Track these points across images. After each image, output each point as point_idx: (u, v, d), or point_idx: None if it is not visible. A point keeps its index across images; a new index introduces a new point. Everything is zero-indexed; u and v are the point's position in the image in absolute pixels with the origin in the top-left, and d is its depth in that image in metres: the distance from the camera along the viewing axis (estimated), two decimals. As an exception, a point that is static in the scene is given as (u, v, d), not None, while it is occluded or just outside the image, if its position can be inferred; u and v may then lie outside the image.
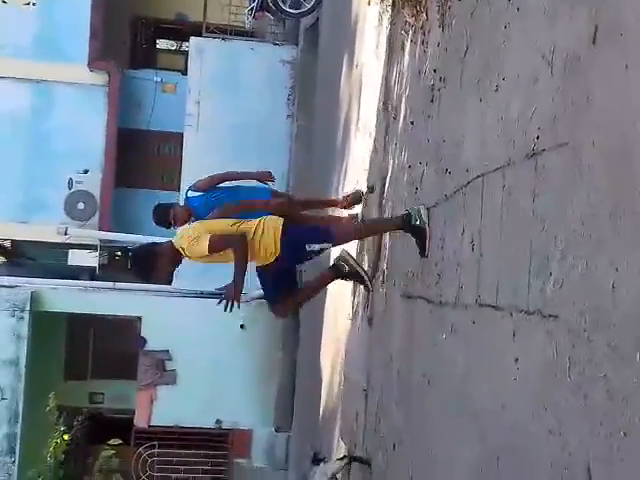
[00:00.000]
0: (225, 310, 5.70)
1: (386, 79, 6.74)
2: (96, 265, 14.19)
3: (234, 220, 5.80)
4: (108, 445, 12.88)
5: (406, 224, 5.17)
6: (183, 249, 5.59)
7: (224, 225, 5.74)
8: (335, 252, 6.60)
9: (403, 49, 6.14)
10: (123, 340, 14.65)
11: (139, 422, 12.88)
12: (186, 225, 6.23)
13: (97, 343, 15.50)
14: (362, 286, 6.44)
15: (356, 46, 8.59)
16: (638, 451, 2.38)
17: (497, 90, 3.89)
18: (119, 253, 14.93)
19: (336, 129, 9.56)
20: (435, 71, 5.14)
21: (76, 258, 15.11)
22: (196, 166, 13.15)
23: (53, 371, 14.48)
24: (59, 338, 14.85)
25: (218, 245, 5.52)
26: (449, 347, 4.44)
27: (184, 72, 14.77)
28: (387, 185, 6.47)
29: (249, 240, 5.56)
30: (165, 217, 7.54)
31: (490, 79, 4.01)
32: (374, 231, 6.14)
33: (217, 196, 7.32)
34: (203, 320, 12.56)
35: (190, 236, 5.58)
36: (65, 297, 12.86)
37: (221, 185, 7.57)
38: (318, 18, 12.31)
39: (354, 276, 6.17)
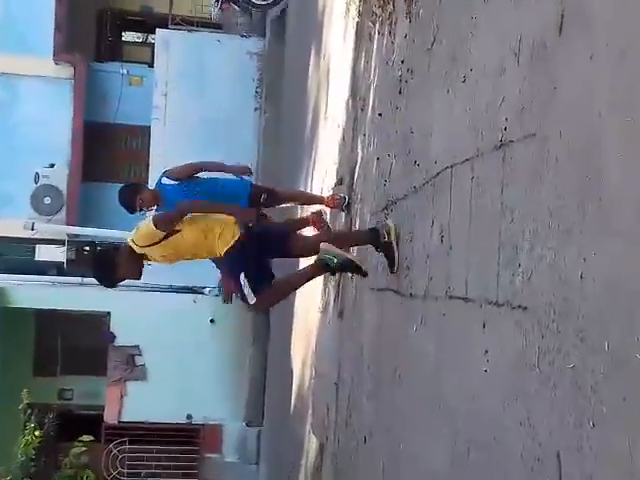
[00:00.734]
0: (225, 301, 5.72)
1: (354, 70, 6.73)
2: (64, 260, 14.06)
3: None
4: (78, 442, 12.77)
5: (375, 240, 5.09)
6: (135, 243, 5.28)
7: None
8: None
9: (370, 40, 6.12)
10: (92, 336, 14.54)
11: (109, 418, 12.81)
12: (142, 222, 5.69)
13: (66, 339, 15.37)
14: (358, 275, 5.68)
15: (323, 37, 8.57)
16: (607, 441, 2.38)
17: (464, 81, 3.88)
18: (87, 248, 14.80)
19: (304, 121, 9.53)
20: (403, 62, 5.12)
21: (43, 253, 14.95)
22: (164, 159, 13.06)
23: (22, 367, 14.35)
24: (27, 334, 14.71)
25: (163, 216, 5.30)
26: (419, 339, 4.44)
27: (151, 64, 14.67)
28: (356, 177, 6.45)
29: (208, 235, 5.30)
30: (132, 200, 6.86)
31: (457, 70, 3.99)
32: (342, 245, 5.60)
33: (192, 189, 6.75)
34: (173, 315, 12.52)
35: (140, 231, 5.30)
36: (33, 293, 12.76)
37: (198, 175, 7.03)
38: (285, 9, 12.28)
39: (346, 267, 5.48)
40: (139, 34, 20.15)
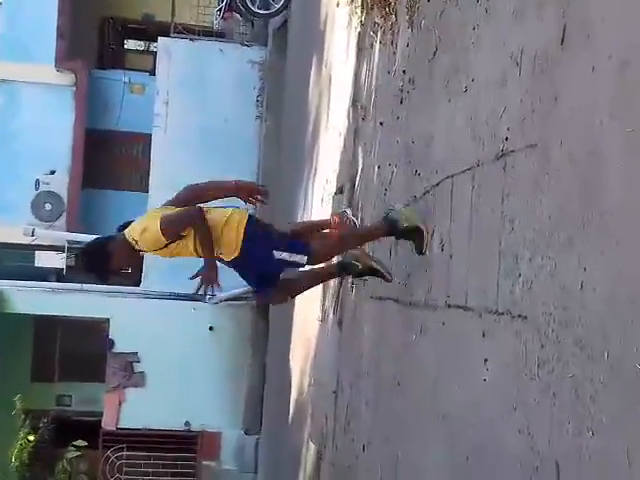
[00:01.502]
0: (205, 294, 5.20)
1: (355, 80, 6.75)
2: (63, 267, 14.05)
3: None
4: (74, 446, 12.75)
5: (395, 230, 4.68)
6: (136, 241, 4.79)
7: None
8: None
9: (372, 50, 6.15)
10: (91, 342, 14.52)
11: (107, 424, 12.77)
12: (142, 219, 5.01)
13: (64, 345, 15.35)
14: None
15: (325, 47, 8.59)
16: (606, 450, 2.39)
17: (466, 91, 3.90)
18: (87, 255, 14.77)
19: (305, 130, 9.55)
20: (404, 72, 5.14)
21: (43, 259, 14.93)
22: (165, 167, 13.11)
23: (20, 373, 14.33)
24: (26, 340, 14.70)
25: (172, 224, 4.73)
26: (419, 348, 4.45)
27: (152, 73, 14.68)
28: (357, 186, 6.46)
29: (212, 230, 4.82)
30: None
31: (459, 80, 4.01)
32: (360, 243, 5.31)
33: None
34: (172, 322, 12.50)
35: (141, 224, 4.82)
36: (32, 299, 12.74)
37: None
38: (287, 19, 12.30)
39: (368, 272, 5.06)
40: (141, 42, 20.19)
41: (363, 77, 6.49)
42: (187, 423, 12.77)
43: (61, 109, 14.34)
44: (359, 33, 6.67)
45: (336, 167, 7.33)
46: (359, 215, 6.14)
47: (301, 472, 8.27)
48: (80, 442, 12.81)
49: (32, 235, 12.98)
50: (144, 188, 13.60)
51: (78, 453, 12.71)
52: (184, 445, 13.14)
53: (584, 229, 2.59)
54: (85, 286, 12.22)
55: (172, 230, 4.75)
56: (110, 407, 12.66)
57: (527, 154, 3.09)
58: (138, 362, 12.65)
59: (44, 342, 15.05)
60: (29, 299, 12.69)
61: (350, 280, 6.22)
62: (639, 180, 2.31)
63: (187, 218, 4.78)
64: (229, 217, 4.86)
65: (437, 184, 4.26)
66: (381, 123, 5.74)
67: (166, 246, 4.84)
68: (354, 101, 6.72)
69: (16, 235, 13.30)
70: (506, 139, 3.32)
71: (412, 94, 4.97)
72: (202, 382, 12.51)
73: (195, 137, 13.37)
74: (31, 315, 13.40)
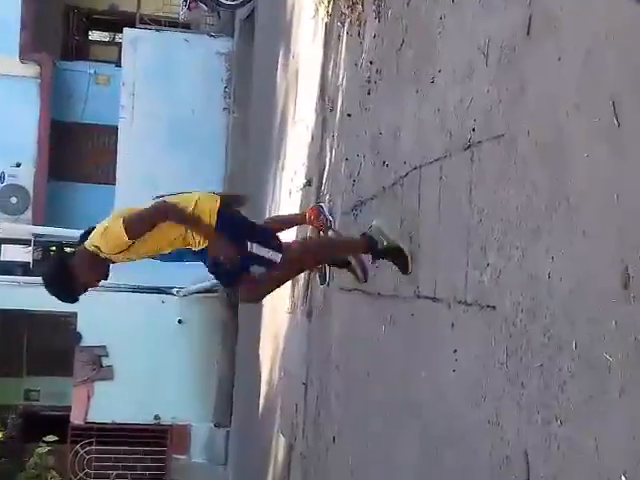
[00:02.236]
0: (228, 267, 4.53)
1: (323, 71, 6.73)
2: (30, 260, 13.93)
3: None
4: (43, 442, 12.67)
5: (374, 249, 4.42)
6: (97, 247, 4.29)
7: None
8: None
9: (339, 41, 6.13)
10: (59, 336, 14.43)
11: (75, 419, 12.70)
12: (103, 223, 4.50)
13: (32, 339, 15.24)
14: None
15: (292, 38, 8.56)
16: (574, 439, 2.40)
17: (433, 82, 3.90)
18: (53, 248, 14.68)
19: (273, 122, 9.52)
20: (371, 63, 5.13)
21: (9, 253, 14.82)
22: (132, 159, 13.03)
23: (-14, 368, 14.22)
24: (-8, 335, 14.58)
25: (137, 222, 4.30)
26: (388, 340, 4.45)
27: (118, 64, 14.57)
28: (325, 178, 6.45)
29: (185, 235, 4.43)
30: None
31: (426, 71, 4.01)
32: (334, 253, 4.94)
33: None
34: (140, 315, 12.44)
35: (102, 227, 4.35)
36: (-2, 293, 12.61)
37: None
38: (254, 9, 12.24)
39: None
40: (106, 33, 20.03)
41: (330, 68, 6.47)
42: (157, 417, 12.73)
43: (26, 101, 14.20)
44: (326, 24, 6.65)
45: (304, 159, 7.31)
46: (333, 207, 6.12)
47: (271, 464, 8.26)
48: (50, 437, 12.73)
49: (-3, 228, 12.86)
50: (111, 180, 13.51)
51: (49, 448, 12.63)
52: (154, 439, 13.11)
53: (551, 219, 2.60)
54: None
55: (136, 227, 4.28)
56: (78, 401, 12.57)
57: (494, 145, 3.10)
58: (106, 356, 12.58)
59: (11, 337, 14.92)
60: (-5, 293, 12.56)
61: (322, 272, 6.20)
62: (605, 170, 2.32)
63: (156, 214, 4.36)
64: (197, 202, 4.50)
65: (405, 175, 4.26)
66: (349, 115, 5.73)
67: (129, 248, 4.34)
68: (322, 93, 6.71)
69: (-19, 229, 13.17)
70: (473, 130, 3.32)
71: (380, 85, 4.97)
72: (171, 375, 12.47)
73: (162, 129, 13.30)
74: (-3, 309, 13.28)
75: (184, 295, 12.60)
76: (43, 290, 4.42)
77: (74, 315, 12.56)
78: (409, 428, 3.96)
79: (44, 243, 14.35)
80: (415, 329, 4.01)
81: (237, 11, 13.05)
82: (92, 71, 14.98)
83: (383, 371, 4.55)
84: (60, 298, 4.50)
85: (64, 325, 13.59)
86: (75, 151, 14.98)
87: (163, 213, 4.37)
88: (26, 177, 13.92)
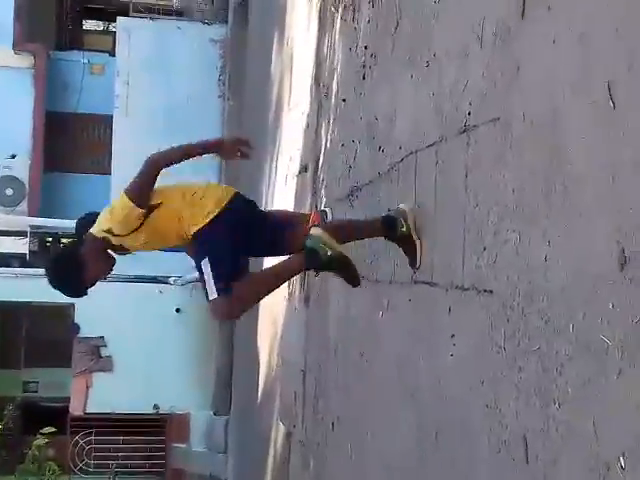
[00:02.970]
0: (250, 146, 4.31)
1: (317, 56, 6.70)
2: (26, 252, 13.91)
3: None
4: (41, 434, 12.67)
5: (391, 231, 4.05)
6: (109, 231, 4.00)
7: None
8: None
9: (334, 26, 6.10)
10: (57, 327, 14.42)
11: (74, 410, 12.72)
12: (107, 208, 4.20)
13: (30, 331, 15.24)
14: (348, 283, 4.26)
15: (286, 24, 8.53)
16: (573, 421, 2.40)
17: (428, 65, 3.88)
18: (50, 239, 14.66)
19: (268, 108, 9.49)
20: (366, 48, 5.11)
21: (6, 245, 14.80)
22: (127, 148, 12.99)
23: (-16, 360, 14.22)
24: (-10, 327, 14.58)
25: (136, 185, 4.00)
26: (386, 325, 4.45)
27: (112, 53, 14.53)
28: (321, 164, 6.44)
29: (180, 201, 4.09)
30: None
31: (421, 55, 3.99)
32: (348, 237, 4.37)
33: None
34: (138, 305, 12.45)
35: (107, 211, 4.07)
36: (-5, 285, 12.60)
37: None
38: (248, -4, 12.20)
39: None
40: (100, 22, 19.95)
41: (325, 54, 6.44)
42: (156, 406, 12.75)
43: (20, 92, 14.15)
44: (320, 9, 6.62)
45: (299, 145, 7.30)
46: (324, 194, 6.10)
47: (271, 451, 8.28)
48: (48, 429, 12.74)
49: (-7, 220, 12.84)
50: (107, 171, 13.49)
51: (47, 440, 12.64)
52: (153, 428, 13.13)
53: (548, 202, 2.59)
54: (49, 271, 12.09)
55: (137, 189, 3.99)
56: (77, 392, 12.59)
57: (490, 128, 3.08)
58: (105, 346, 12.59)
59: (9, 328, 14.92)
60: (-8, 285, 12.55)
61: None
62: (601, 152, 2.31)
63: (147, 166, 4.02)
64: (209, 186, 4.24)
65: (401, 160, 4.24)
66: (344, 100, 5.70)
67: (141, 227, 4.02)
68: (316, 78, 6.68)
69: (-23, 221, 13.16)
70: (469, 113, 3.30)
71: (374, 70, 4.94)
72: (170, 364, 12.48)
73: (157, 117, 13.27)
74: (-5, 301, 13.27)
75: (182, 284, 12.60)
76: (41, 282, 4.25)
77: (72, 306, 12.55)
78: (407, 414, 3.96)
79: (40, 234, 14.33)
80: (413, 314, 4.00)
81: (231, -3, 13.01)
82: (86, 61, 14.93)
83: (381, 356, 4.55)
84: (66, 292, 4.18)
85: (62, 316, 13.58)
86: (70, 141, 14.94)
87: (154, 162, 4.02)
88: (21, 169, 13.90)
